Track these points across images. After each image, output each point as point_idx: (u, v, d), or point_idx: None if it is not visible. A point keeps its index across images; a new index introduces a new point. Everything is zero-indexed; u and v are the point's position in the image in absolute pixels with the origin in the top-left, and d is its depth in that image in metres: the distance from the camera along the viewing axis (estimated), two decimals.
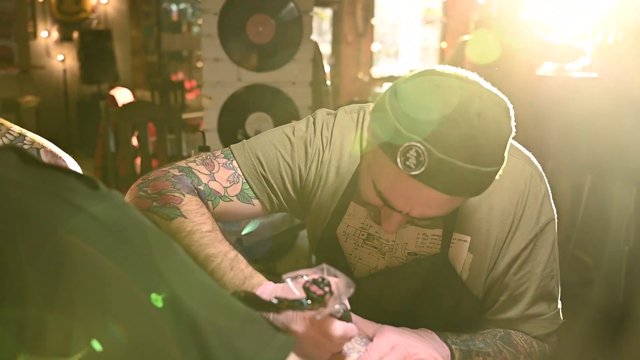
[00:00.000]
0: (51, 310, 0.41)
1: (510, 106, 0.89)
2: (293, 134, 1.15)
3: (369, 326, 1.02)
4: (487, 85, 0.88)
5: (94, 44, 6.18)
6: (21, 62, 5.78)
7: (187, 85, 6.59)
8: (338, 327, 0.80)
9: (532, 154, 1.12)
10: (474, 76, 0.89)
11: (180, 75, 6.86)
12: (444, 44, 8.13)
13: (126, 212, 0.47)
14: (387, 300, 1.16)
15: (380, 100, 0.91)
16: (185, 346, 0.42)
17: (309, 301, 0.73)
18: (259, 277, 0.92)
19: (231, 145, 1.16)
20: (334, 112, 1.19)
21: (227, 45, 2.52)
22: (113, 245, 0.43)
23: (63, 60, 6.25)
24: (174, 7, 6.73)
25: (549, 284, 1.09)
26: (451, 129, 0.81)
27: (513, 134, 0.89)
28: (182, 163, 1.12)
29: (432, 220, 0.95)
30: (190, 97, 6.47)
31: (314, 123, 1.16)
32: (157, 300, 0.42)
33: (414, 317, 1.07)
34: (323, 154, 1.14)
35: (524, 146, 1.13)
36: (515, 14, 3.18)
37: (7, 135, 1.07)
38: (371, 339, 0.99)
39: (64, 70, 6.24)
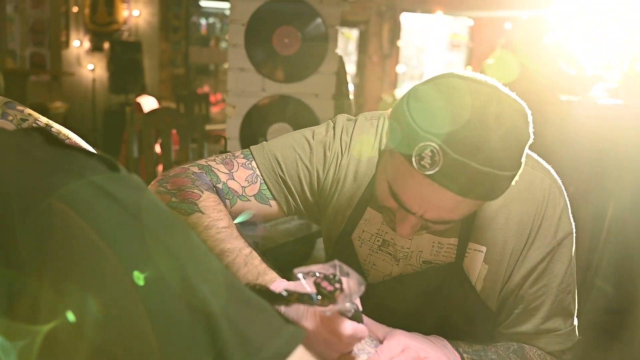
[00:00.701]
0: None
1: (529, 112, 0.89)
2: (312, 137, 1.16)
3: (380, 329, 1.01)
4: (505, 90, 0.89)
5: (123, 55, 6.31)
6: (52, 69, 5.92)
7: (212, 98, 6.68)
8: (348, 326, 0.79)
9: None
10: (493, 81, 0.90)
11: (206, 89, 6.95)
12: (469, 69, 8.14)
13: (144, 195, 0.47)
14: (399, 307, 1.15)
15: (398, 102, 0.92)
16: (195, 329, 0.42)
17: (319, 296, 0.72)
18: (272, 274, 0.92)
19: (251, 147, 1.18)
20: (354, 117, 1.20)
21: (253, 55, 2.56)
22: (127, 224, 0.44)
23: (93, 70, 6.39)
24: (202, 21, 6.86)
25: (565, 299, 1.07)
26: (467, 131, 0.81)
27: (531, 140, 0.89)
28: (202, 161, 1.13)
29: (446, 224, 0.95)
30: (215, 110, 6.55)
31: (334, 128, 1.17)
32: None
33: (426, 326, 1.06)
34: (341, 158, 1.15)
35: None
36: (540, 39, 3.18)
37: (35, 125, 1.10)
38: (382, 342, 0.98)
39: (94, 80, 6.37)
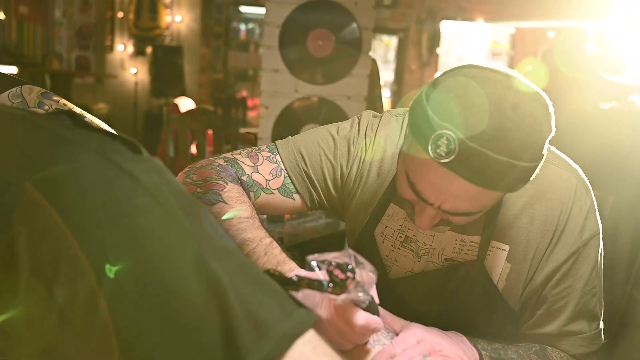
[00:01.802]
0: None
1: (550, 104, 0.88)
2: (337, 133, 1.17)
3: (397, 322, 1.00)
4: (526, 80, 0.88)
5: (165, 59, 6.46)
6: (97, 72, 6.10)
7: (250, 103, 6.76)
8: (361, 317, 0.79)
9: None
10: (513, 72, 0.89)
11: (244, 93, 7.05)
12: None
13: (163, 176, 0.49)
14: (420, 303, 1.14)
15: (419, 93, 0.92)
16: (206, 306, 0.43)
17: (330, 284, 0.73)
18: (291, 264, 0.93)
19: (277, 141, 1.19)
20: (379, 114, 1.20)
21: (287, 57, 2.59)
22: (146, 203, 0.45)
23: (136, 73, 6.56)
24: (242, 27, 6.96)
25: (589, 301, 1.04)
26: (484, 119, 0.81)
27: (553, 133, 0.88)
28: (228, 154, 1.15)
29: (465, 216, 0.94)
30: (252, 114, 6.63)
31: (358, 123, 1.18)
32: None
33: (446, 323, 1.04)
34: (365, 153, 1.15)
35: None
36: (582, 48, 3.12)
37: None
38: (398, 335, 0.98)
39: (136, 83, 6.54)
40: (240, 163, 1.12)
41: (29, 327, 0.42)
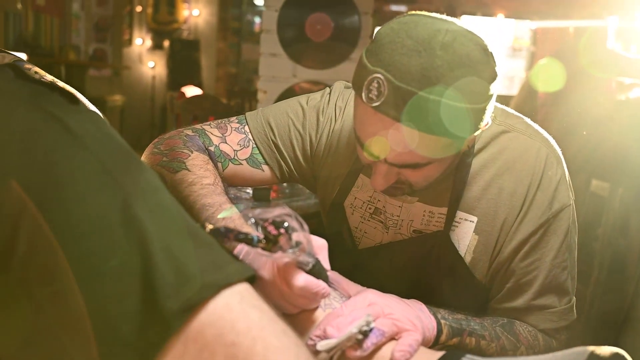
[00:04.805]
0: None
1: (490, 47, 0.86)
2: (307, 103, 1.17)
3: (353, 288, 0.98)
4: (465, 25, 0.86)
5: (182, 53, 6.52)
6: (113, 64, 6.19)
7: None
8: (300, 278, 0.76)
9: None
10: (452, 18, 0.88)
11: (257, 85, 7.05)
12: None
13: (99, 127, 0.48)
14: (387, 274, 1.13)
15: None
16: (128, 254, 0.43)
17: (262, 239, 0.71)
18: (249, 229, 0.91)
19: (247, 113, 1.19)
20: None
21: (285, 41, 2.59)
22: (75, 153, 0.44)
23: (154, 67, 6.62)
24: (257, 20, 6.98)
25: (559, 275, 1.02)
26: (412, 59, 0.80)
27: (496, 78, 0.86)
28: (197, 125, 1.16)
29: (415, 168, 0.92)
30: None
31: (329, 93, 1.17)
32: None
33: (414, 295, 1.03)
34: (335, 123, 1.14)
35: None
36: (603, 45, 3.08)
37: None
38: None
39: (153, 77, 6.61)
40: (209, 134, 1.12)
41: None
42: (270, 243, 0.71)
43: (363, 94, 0.84)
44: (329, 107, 1.15)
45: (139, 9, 6.56)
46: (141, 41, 6.63)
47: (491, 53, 0.86)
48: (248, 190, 1.87)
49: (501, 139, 1.04)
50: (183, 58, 6.51)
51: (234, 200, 1.24)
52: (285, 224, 0.72)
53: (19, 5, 4.70)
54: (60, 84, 1.06)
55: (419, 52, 0.80)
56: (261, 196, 1.77)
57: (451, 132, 0.84)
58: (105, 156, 0.46)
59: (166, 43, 6.61)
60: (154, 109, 6.64)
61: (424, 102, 0.80)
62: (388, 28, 0.87)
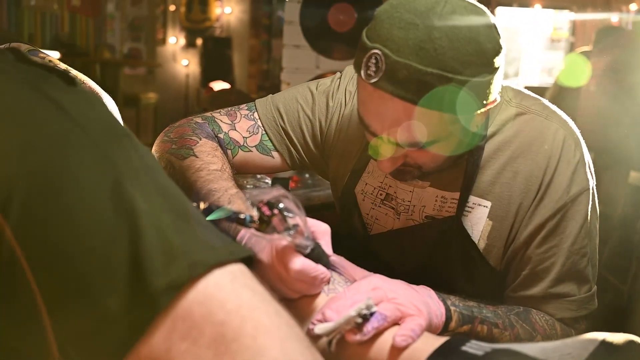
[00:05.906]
0: None
1: (494, 20, 0.83)
2: (317, 88, 1.16)
3: (359, 273, 0.95)
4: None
5: (215, 51, 6.57)
6: (147, 62, 6.29)
7: None
8: (297, 262, 0.75)
9: None
10: None
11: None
12: None
13: (95, 108, 0.48)
14: (399, 263, 1.11)
15: None
16: (116, 230, 0.42)
17: (255, 220, 0.70)
18: (253, 212, 0.91)
19: (257, 100, 1.18)
20: None
21: (308, 32, 2.58)
22: (67, 129, 0.45)
23: (187, 65, 6.71)
24: None
25: (579, 262, 0.98)
26: (409, 32, 0.78)
27: (502, 52, 0.84)
28: (207, 113, 1.16)
29: (419, 148, 0.89)
30: None
31: (340, 78, 1.16)
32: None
33: (426, 282, 1.00)
34: (345, 108, 1.13)
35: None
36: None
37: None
38: None
39: (187, 75, 6.69)
40: (218, 121, 1.12)
41: None
42: (264, 224, 0.70)
43: (362, 71, 0.82)
44: (339, 91, 1.14)
45: (172, 8, 6.65)
46: (175, 40, 6.72)
47: (494, 25, 0.83)
48: (267, 180, 1.86)
49: (516, 122, 1.00)
50: (216, 56, 6.56)
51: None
52: (280, 205, 0.71)
53: (55, 6, 4.82)
54: (63, 66, 1.08)
55: (417, 25, 0.78)
56: (280, 186, 1.74)
57: (452, 107, 0.81)
58: (98, 134, 0.45)
59: (199, 41, 6.68)
60: (188, 106, 6.72)
61: (422, 75, 0.78)
62: (388, 4, 0.85)
